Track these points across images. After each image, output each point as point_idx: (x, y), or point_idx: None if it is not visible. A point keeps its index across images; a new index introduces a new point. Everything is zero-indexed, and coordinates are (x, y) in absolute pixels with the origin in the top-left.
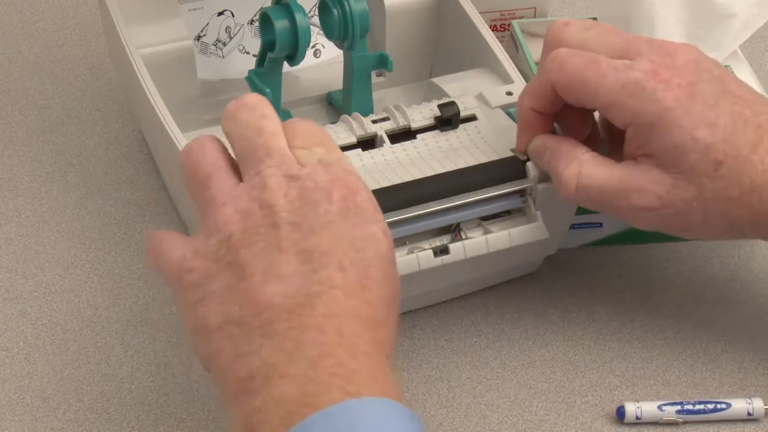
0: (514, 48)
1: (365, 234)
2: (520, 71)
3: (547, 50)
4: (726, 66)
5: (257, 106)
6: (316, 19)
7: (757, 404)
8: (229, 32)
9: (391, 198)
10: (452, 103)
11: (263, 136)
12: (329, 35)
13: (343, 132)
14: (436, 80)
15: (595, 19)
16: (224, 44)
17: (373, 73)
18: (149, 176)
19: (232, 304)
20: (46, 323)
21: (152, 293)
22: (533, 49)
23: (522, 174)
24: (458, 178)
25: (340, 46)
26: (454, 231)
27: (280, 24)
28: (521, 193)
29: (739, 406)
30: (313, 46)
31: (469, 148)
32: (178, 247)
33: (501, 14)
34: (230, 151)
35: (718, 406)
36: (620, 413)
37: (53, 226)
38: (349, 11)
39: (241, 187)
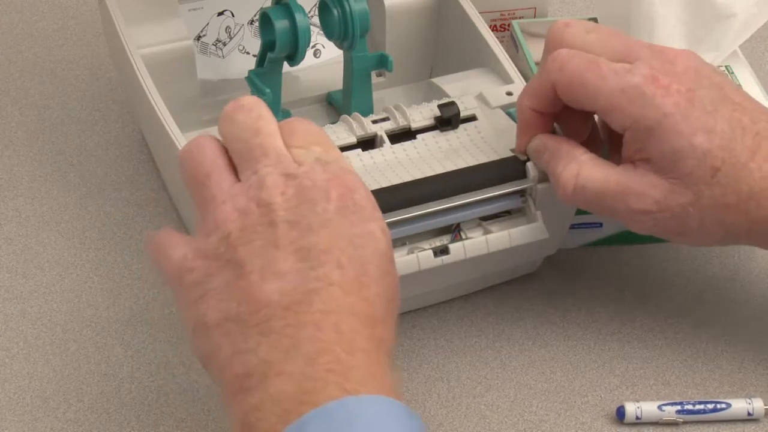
0: (514, 48)
1: (363, 232)
2: (520, 71)
3: (548, 51)
4: (726, 66)
5: (254, 107)
6: (316, 19)
7: (757, 404)
8: (229, 32)
9: (391, 198)
10: (452, 103)
11: (260, 136)
12: (329, 35)
13: (343, 132)
14: (436, 80)
15: (595, 19)
16: (224, 44)
17: (373, 73)
18: (149, 176)
19: (230, 301)
20: (46, 323)
21: (152, 293)
22: (533, 49)
23: (522, 174)
24: (458, 179)
25: (340, 46)
26: (454, 231)
27: (280, 24)
28: (521, 193)
29: (739, 406)
30: (313, 46)
31: (469, 148)
32: (178, 248)
33: (501, 14)
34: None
35: (718, 406)
36: (620, 413)
37: (53, 226)
38: (349, 11)
39: (239, 186)
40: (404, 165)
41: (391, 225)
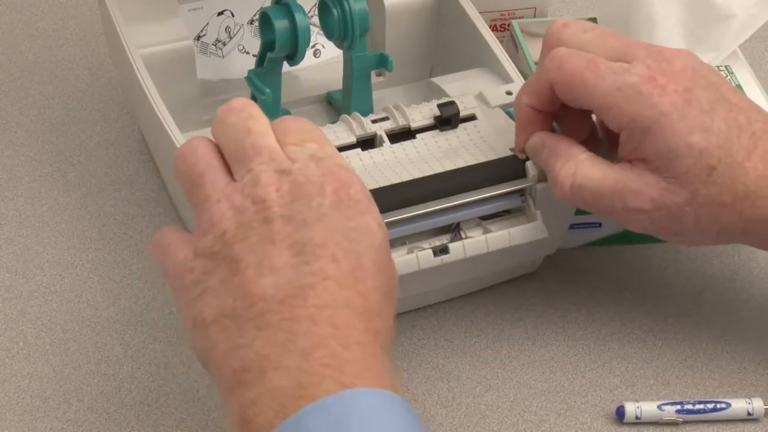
0: (513, 48)
1: (359, 225)
2: (520, 71)
3: (546, 50)
4: (726, 66)
5: (244, 108)
6: (316, 19)
7: (757, 404)
8: (229, 32)
9: (390, 198)
10: (452, 103)
11: (251, 135)
12: (329, 35)
13: (342, 132)
14: (435, 80)
15: (594, 19)
16: (224, 44)
17: (373, 73)
18: (149, 176)
19: (226, 297)
20: (46, 323)
21: (152, 293)
22: (533, 49)
23: (521, 173)
24: (458, 178)
25: (339, 46)
26: (454, 230)
27: (280, 24)
28: (521, 192)
29: (738, 405)
30: (313, 46)
31: (469, 147)
32: (180, 249)
33: (501, 14)
34: None
35: (718, 405)
36: (620, 413)
37: (53, 226)
38: (349, 11)
39: (233, 184)
40: (404, 164)
41: (390, 224)
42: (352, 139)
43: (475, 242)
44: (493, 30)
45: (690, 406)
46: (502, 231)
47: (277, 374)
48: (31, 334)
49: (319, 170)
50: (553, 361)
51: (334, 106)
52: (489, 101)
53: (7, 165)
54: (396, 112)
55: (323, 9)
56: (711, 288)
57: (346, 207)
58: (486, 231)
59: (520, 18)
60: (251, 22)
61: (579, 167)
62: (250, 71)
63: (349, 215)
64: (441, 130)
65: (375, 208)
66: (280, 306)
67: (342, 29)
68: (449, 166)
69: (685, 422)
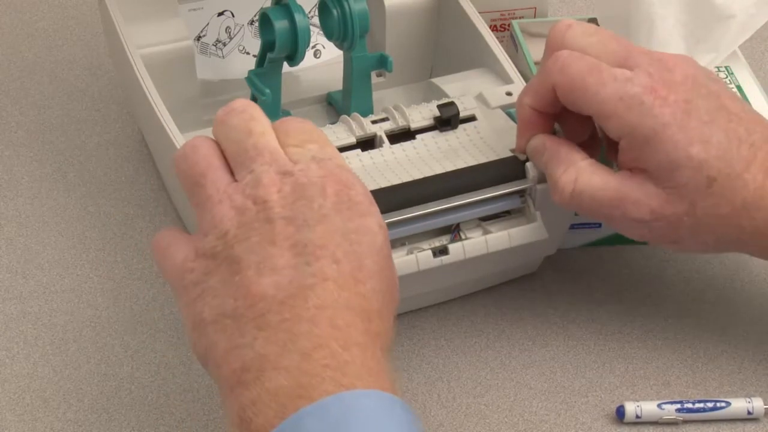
0: (513, 48)
1: (360, 227)
2: (520, 71)
3: (549, 52)
4: (725, 67)
5: (246, 109)
6: (316, 20)
7: (757, 403)
8: (229, 32)
9: (390, 198)
10: (452, 104)
11: (252, 136)
12: (329, 35)
13: (342, 132)
14: (435, 80)
15: (594, 19)
16: (224, 44)
17: (373, 74)
18: (149, 176)
19: (226, 297)
20: (46, 323)
21: (152, 293)
22: (533, 50)
23: (521, 174)
24: (457, 179)
25: (339, 47)
26: (454, 231)
27: (280, 24)
28: (521, 193)
29: (739, 405)
30: (313, 47)
31: (469, 148)
32: (181, 250)
33: (501, 14)
34: None
35: (718, 404)
36: (620, 413)
37: (53, 226)
38: (349, 11)
39: (235, 185)
40: (404, 165)
41: (390, 225)
42: (352, 140)
43: (475, 243)
44: (493, 30)
45: (690, 405)
46: (502, 232)
47: (277, 374)
48: (31, 334)
49: (320, 171)
50: (553, 361)
51: (334, 106)
52: (489, 102)
53: (7, 165)
54: (396, 113)
55: (323, 9)
56: (711, 288)
57: (347, 208)
58: (486, 232)
59: (520, 18)
60: (251, 22)
61: (580, 174)
62: (250, 72)
63: (349, 216)
64: (441, 131)
65: (376, 210)
66: (281, 306)
67: (342, 30)
68: (449, 167)
69: (686, 421)
